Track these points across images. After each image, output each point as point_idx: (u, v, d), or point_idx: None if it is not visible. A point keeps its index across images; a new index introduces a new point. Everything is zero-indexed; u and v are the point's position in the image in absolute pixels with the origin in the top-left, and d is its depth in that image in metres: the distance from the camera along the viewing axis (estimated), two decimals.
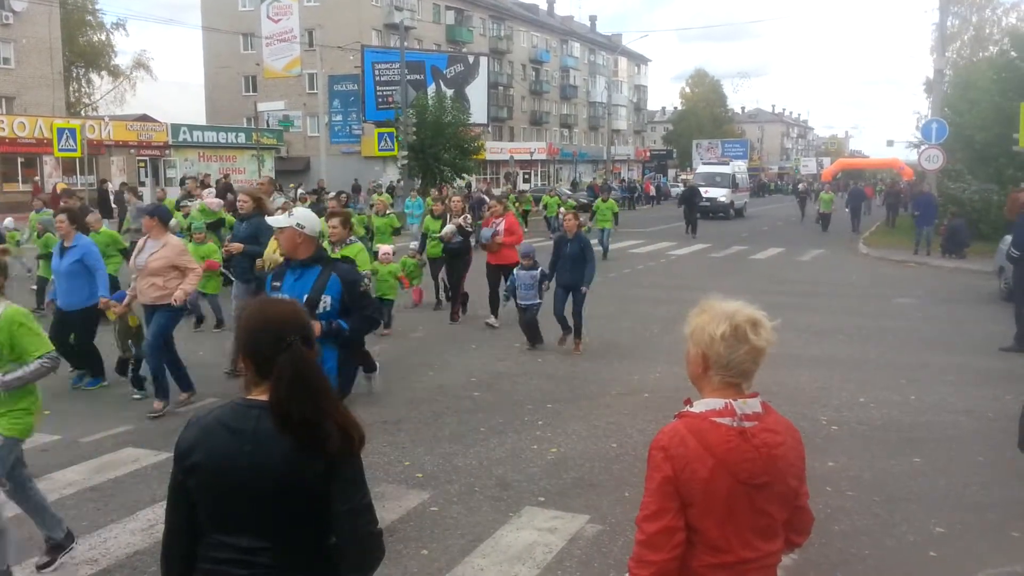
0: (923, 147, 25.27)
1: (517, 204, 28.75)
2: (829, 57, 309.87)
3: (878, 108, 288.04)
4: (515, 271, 10.37)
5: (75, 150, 25.55)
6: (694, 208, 28.38)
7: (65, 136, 25.20)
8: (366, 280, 7.51)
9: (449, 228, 11.85)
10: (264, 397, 2.14)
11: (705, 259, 21.45)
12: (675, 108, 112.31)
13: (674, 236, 27.53)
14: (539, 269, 10.14)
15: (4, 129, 35.74)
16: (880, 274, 18.79)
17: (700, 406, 2.34)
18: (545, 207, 30.28)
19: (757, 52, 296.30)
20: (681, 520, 2.22)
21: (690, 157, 71.15)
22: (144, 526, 5.13)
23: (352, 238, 8.17)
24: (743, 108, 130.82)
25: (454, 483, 5.90)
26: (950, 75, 30.04)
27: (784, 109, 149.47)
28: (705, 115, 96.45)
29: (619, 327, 11.88)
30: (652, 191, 56.32)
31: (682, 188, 42.35)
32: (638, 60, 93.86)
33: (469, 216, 12.25)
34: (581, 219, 19.71)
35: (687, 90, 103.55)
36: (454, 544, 4.96)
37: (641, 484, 5.76)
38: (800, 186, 47.73)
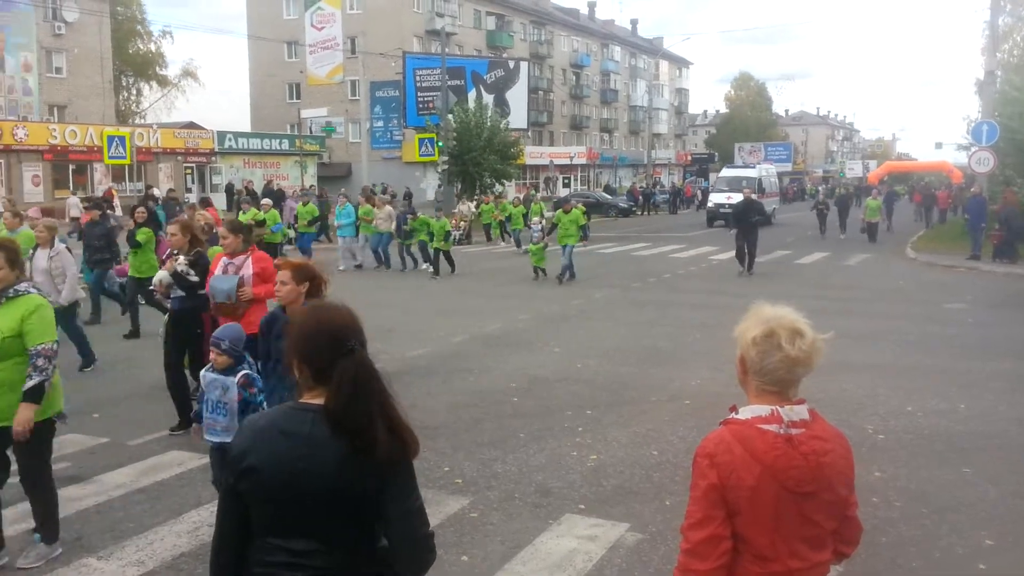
0: (973, 149, 24.70)
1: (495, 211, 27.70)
2: (875, 58, 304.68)
3: (926, 110, 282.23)
4: (203, 373, 5.22)
5: (124, 157, 26.14)
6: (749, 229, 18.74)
7: (115, 144, 25.80)
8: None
9: (161, 275, 7.37)
10: (318, 401, 2.16)
11: None
12: (718, 111, 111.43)
13: (716, 240, 27.25)
14: (242, 372, 5.04)
15: (56, 137, 36.65)
16: (928, 279, 18.42)
17: (746, 412, 2.31)
18: (508, 218, 26.78)
19: (801, 54, 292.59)
20: (727, 528, 2.20)
21: (732, 161, 70.38)
22: (190, 528, 5.21)
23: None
24: (787, 111, 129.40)
25: (494, 489, 5.90)
26: (1001, 76, 29.26)
27: (829, 111, 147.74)
28: (749, 118, 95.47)
29: (658, 332, 11.80)
30: (694, 195, 55.86)
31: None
32: (680, 63, 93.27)
33: (182, 258, 7.25)
34: (535, 235, 19.32)
35: (731, 93, 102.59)
36: (494, 551, 4.95)
37: (683, 492, 5.69)
38: (819, 192, 41.80)
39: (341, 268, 19.44)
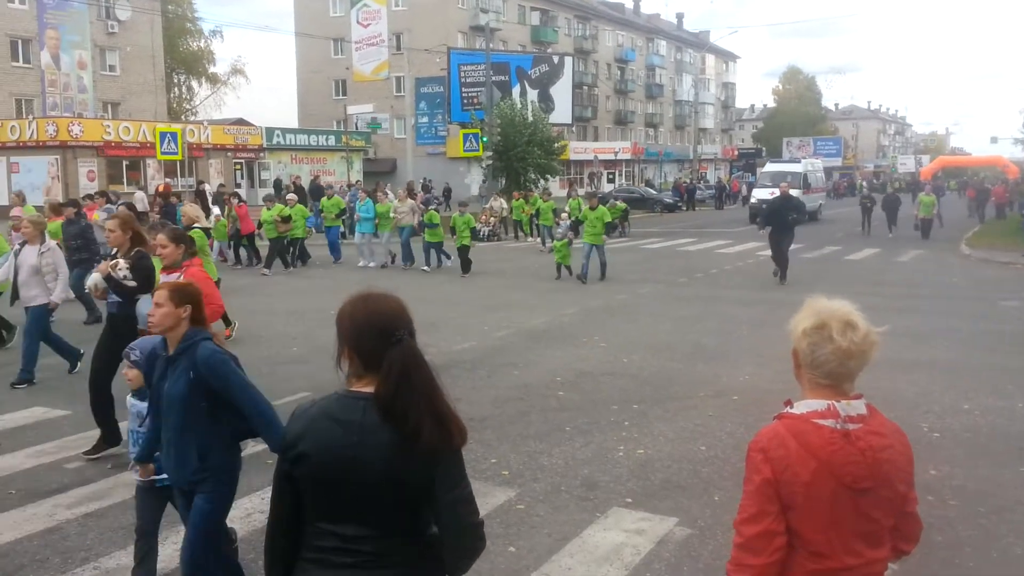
0: None
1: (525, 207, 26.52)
2: (928, 50, 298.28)
3: (981, 103, 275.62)
4: (129, 399, 4.90)
5: (176, 153, 26.62)
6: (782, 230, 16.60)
7: (167, 140, 26.29)
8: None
9: (95, 278, 6.68)
10: (368, 389, 2.18)
11: (797, 260, 20.81)
12: (765, 106, 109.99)
13: (763, 236, 26.90)
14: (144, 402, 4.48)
15: (110, 133, 37.45)
16: (983, 276, 17.98)
17: (801, 407, 2.28)
18: (537, 213, 25.22)
19: (851, 47, 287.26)
20: (782, 524, 2.17)
21: (780, 156, 69.47)
22: (242, 515, 5.29)
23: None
24: (837, 105, 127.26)
25: (540, 481, 5.90)
26: None
27: (880, 105, 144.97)
28: (797, 113, 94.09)
29: (705, 328, 11.69)
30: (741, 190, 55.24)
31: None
32: (726, 57, 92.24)
33: (121, 260, 6.54)
34: (562, 231, 18.12)
35: (779, 87, 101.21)
36: (541, 542, 4.96)
37: (732, 488, 5.64)
38: (863, 186, 40.27)
39: (361, 264, 19.33)
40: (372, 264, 19.51)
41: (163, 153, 26.56)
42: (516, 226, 27.85)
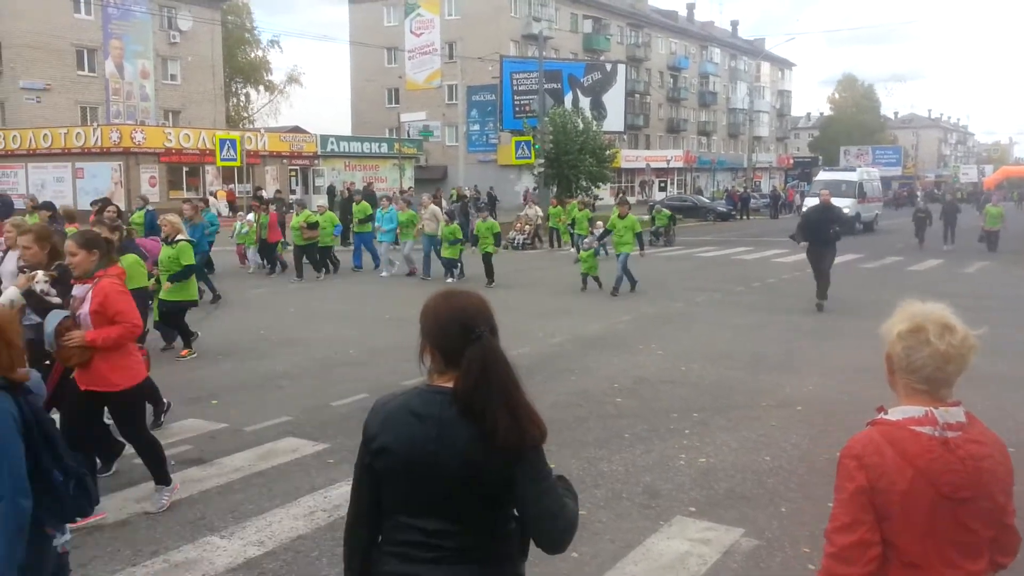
0: None
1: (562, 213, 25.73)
2: (991, 58, 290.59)
3: None
4: None
5: (235, 160, 27.14)
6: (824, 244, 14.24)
7: (227, 147, 26.80)
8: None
9: (11, 294, 5.72)
10: (449, 385, 2.18)
11: (856, 270, 20.47)
12: (821, 114, 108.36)
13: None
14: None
15: (171, 141, 38.35)
16: None
17: (897, 414, 2.21)
18: (573, 222, 24.24)
19: (911, 55, 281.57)
20: (876, 534, 2.10)
21: (837, 164, 68.23)
22: (305, 512, 5.33)
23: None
24: (896, 113, 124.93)
25: (600, 488, 5.84)
26: None
27: (941, 114, 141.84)
28: (854, 121, 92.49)
29: (765, 337, 11.50)
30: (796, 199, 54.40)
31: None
32: (782, 65, 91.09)
33: (40, 274, 5.85)
34: (588, 240, 17.51)
35: (835, 95, 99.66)
36: (604, 549, 4.90)
37: (799, 500, 5.53)
38: (919, 198, 36.93)
39: (384, 275, 18.65)
40: (387, 273, 18.74)
41: (223, 160, 27.08)
42: (553, 234, 27.04)
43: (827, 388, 8.62)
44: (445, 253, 17.51)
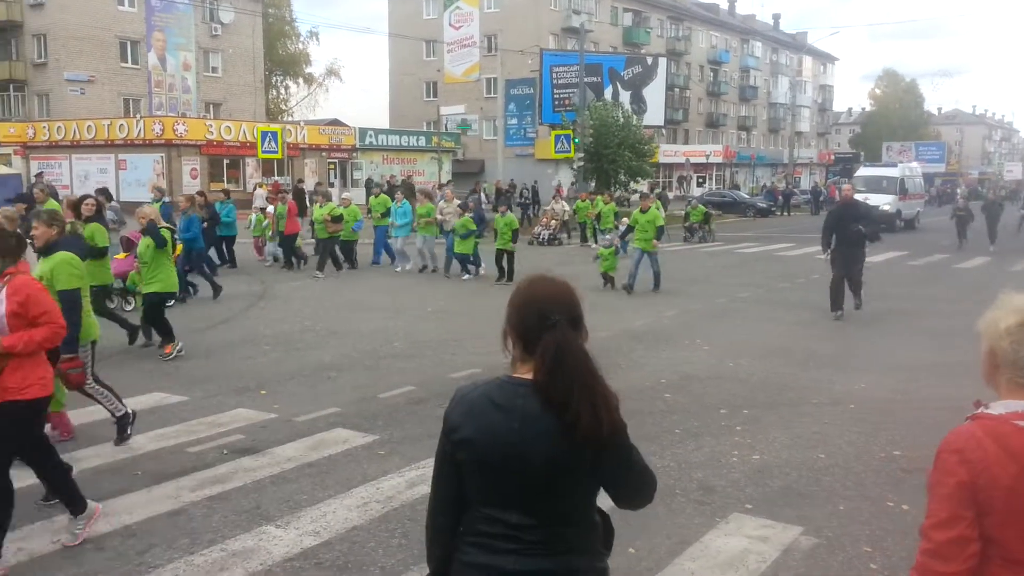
0: None
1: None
2: None
3: None
4: None
5: (276, 152, 27.37)
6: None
7: (268, 139, 27.05)
8: None
9: None
10: (530, 375, 2.14)
11: (902, 267, 20.13)
12: (863, 109, 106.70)
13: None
14: None
15: (212, 132, 38.78)
16: None
17: (999, 408, 2.13)
18: (598, 216, 23.37)
19: (954, 50, 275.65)
20: (976, 530, 2.04)
21: (880, 161, 67.24)
22: (359, 503, 5.33)
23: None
24: (940, 109, 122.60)
25: None
26: None
27: (986, 110, 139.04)
28: (896, 116, 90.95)
29: (813, 334, 11.33)
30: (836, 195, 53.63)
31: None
32: (824, 59, 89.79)
33: None
34: (609, 238, 17.20)
35: (877, 91, 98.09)
36: (660, 544, 4.83)
37: (856, 499, 5.42)
38: (959, 197, 34.96)
39: (398, 270, 18.09)
40: (401, 268, 18.12)
41: (264, 152, 27.33)
42: (582, 228, 25.88)
43: (879, 386, 8.46)
44: (458, 248, 16.67)
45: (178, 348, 9.52)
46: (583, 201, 26.29)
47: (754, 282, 16.77)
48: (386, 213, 19.08)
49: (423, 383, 8.36)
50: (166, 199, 17.32)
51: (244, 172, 39.72)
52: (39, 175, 29.85)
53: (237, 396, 7.82)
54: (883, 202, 31.40)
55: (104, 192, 15.12)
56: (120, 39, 45.34)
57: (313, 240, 18.64)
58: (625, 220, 18.67)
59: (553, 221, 26.34)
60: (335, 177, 43.55)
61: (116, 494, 5.43)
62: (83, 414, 7.23)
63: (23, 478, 5.68)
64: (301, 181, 34.65)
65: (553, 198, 29.25)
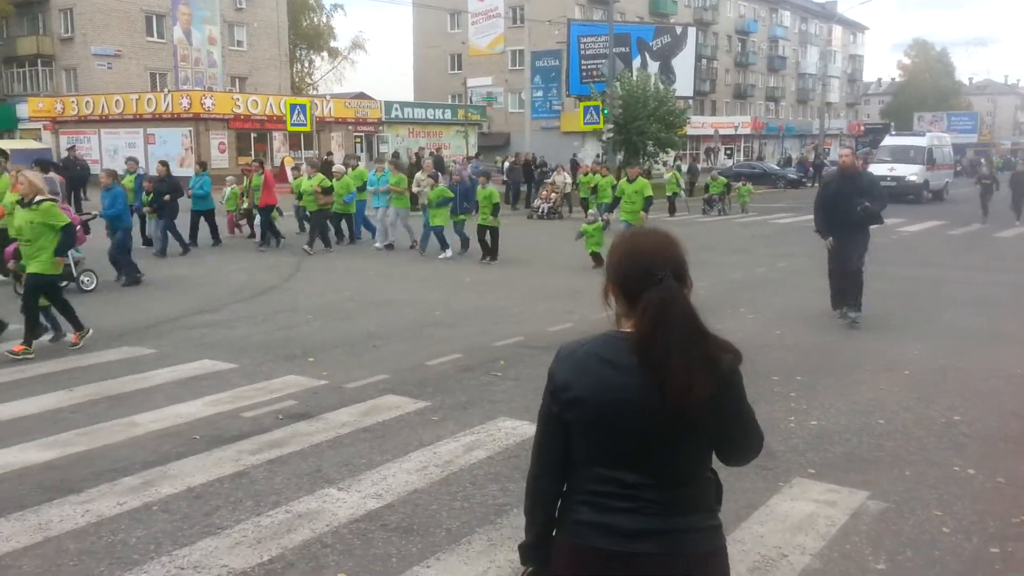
0: None
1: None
2: None
3: None
4: None
5: (305, 124, 27.37)
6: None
7: (297, 112, 27.05)
8: None
9: None
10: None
11: (941, 236, 19.83)
12: (892, 79, 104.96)
13: (900, 212, 25.68)
14: None
15: (240, 106, 38.80)
16: None
17: None
18: (595, 189, 21.20)
19: (985, 19, 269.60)
20: None
21: (911, 131, 66.28)
22: (418, 467, 5.31)
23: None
24: (971, 79, 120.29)
25: None
26: None
27: (1018, 80, 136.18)
28: (927, 87, 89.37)
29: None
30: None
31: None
32: (854, 28, 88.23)
33: None
34: (594, 212, 15.32)
35: (907, 61, 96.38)
36: (727, 508, 4.63)
37: (922, 463, 5.32)
38: (982, 164, 33.50)
39: (376, 246, 16.80)
40: (380, 244, 16.82)
41: (293, 125, 27.34)
42: (584, 203, 23.45)
43: (933, 353, 8.32)
44: (434, 220, 15.29)
45: (87, 334, 8.54)
46: (586, 175, 24.05)
47: (791, 251, 16.56)
48: (362, 187, 17.81)
49: (468, 351, 8.33)
50: (140, 171, 16.58)
51: (271, 145, 39.77)
52: (71, 148, 30.05)
53: (286, 363, 7.82)
54: (910, 172, 30.59)
55: (42, 162, 14.63)
56: (146, 13, 45.39)
57: (296, 214, 18.29)
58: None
59: (554, 194, 25.06)
60: (362, 151, 43.52)
61: (176, 457, 5.45)
62: (138, 380, 7.28)
63: (79, 444, 5.74)
64: (330, 154, 34.62)
65: (555, 170, 27.89)
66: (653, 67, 42.56)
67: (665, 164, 35.60)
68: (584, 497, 2.11)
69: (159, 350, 8.36)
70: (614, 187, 18.48)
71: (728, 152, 57.97)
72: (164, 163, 16.19)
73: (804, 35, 79.41)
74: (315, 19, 61.11)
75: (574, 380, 2.09)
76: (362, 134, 44.36)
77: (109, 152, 38.40)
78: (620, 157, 34.54)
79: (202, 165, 18.58)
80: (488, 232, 14.83)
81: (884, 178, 30.28)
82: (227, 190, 18.93)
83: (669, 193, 26.20)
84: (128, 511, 4.68)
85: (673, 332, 2.00)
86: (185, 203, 16.49)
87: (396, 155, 38.95)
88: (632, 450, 2.05)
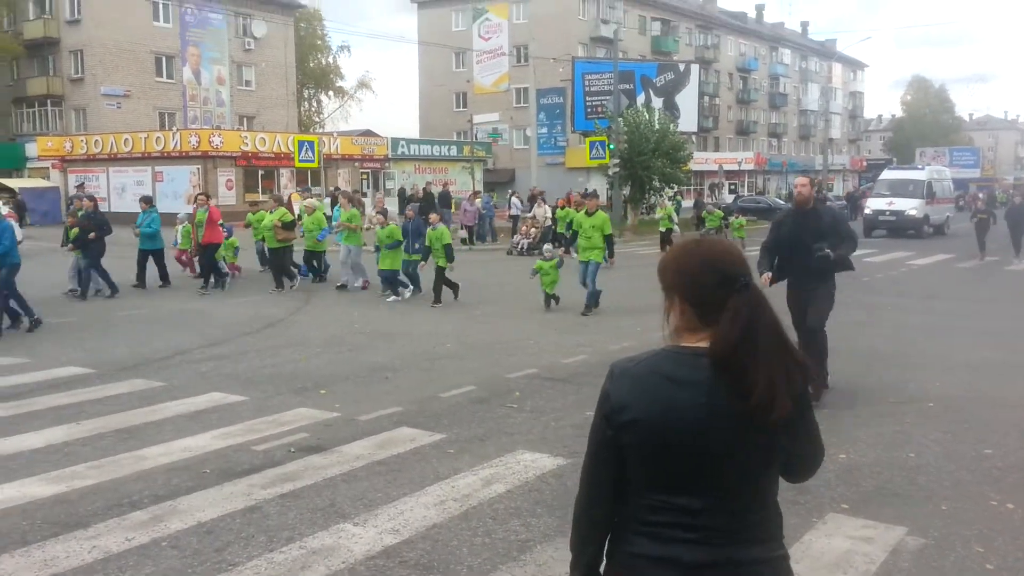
0: None
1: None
2: None
3: None
4: None
5: (313, 161, 27.45)
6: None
7: (305, 148, 27.16)
8: None
9: None
10: (705, 344, 1.91)
11: (951, 269, 19.69)
12: (893, 116, 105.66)
13: (909, 246, 25.57)
14: None
15: (247, 144, 39.01)
16: None
17: None
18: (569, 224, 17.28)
19: (983, 56, 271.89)
20: None
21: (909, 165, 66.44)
22: (435, 501, 5.14)
23: None
24: (971, 115, 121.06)
25: None
26: None
27: (1018, 116, 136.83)
28: (927, 122, 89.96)
29: (874, 334, 11.00)
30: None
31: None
32: (854, 66, 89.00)
33: None
34: (549, 247, 14.30)
35: (907, 97, 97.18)
36: None
37: (958, 497, 5.11)
38: (979, 199, 32.27)
39: (340, 283, 15.59)
40: (347, 283, 15.56)
41: (301, 161, 27.42)
42: (560, 239, 20.66)
43: (954, 385, 8.16)
44: (382, 263, 14.09)
45: None
46: (562, 208, 22.81)
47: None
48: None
49: (482, 383, 8.17)
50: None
51: (279, 182, 39.88)
52: (80, 186, 30.14)
53: (297, 396, 7.67)
54: (909, 207, 29.78)
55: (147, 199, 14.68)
56: (155, 54, 45.84)
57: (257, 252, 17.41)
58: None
59: (533, 229, 23.90)
60: (368, 187, 43.66)
61: (186, 491, 5.28)
62: (147, 413, 7.13)
63: (87, 477, 5.57)
64: (338, 188, 34.72)
65: (535, 203, 26.85)
66: (657, 103, 42.79)
67: (667, 199, 35.38)
68: (640, 527, 1.95)
69: (167, 383, 8.22)
70: (569, 223, 17.17)
71: (732, 188, 58.07)
72: (92, 198, 15.00)
73: (805, 72, 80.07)
74: (322, 59, 61.74)
75: (632, 400, 1.93)
76: (368, 170, 44.55)
77: (117, 190, 38.55)
78: (626, 192, 34.59)
79: (147, 201, 16.31)
80: (442, 272, 13.53)
81: (883, 212, 30.07)
82: (179, 227, 17.68)
83: (663, 229, 25.68)
84: (136, 547, 4.50)
85: (760, 342, 1.87)
86: (125, 240, 15.98)
87: (403, 191, 39.13)
88: (696, 474, 1.90)
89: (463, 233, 26.44)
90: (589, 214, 12.66)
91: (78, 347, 10.17)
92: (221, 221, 15.99)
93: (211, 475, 5.60)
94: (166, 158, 38.13)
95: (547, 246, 14.79)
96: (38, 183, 40.69)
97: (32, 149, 42.86)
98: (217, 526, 4.79)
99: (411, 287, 14.40)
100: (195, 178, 37.43)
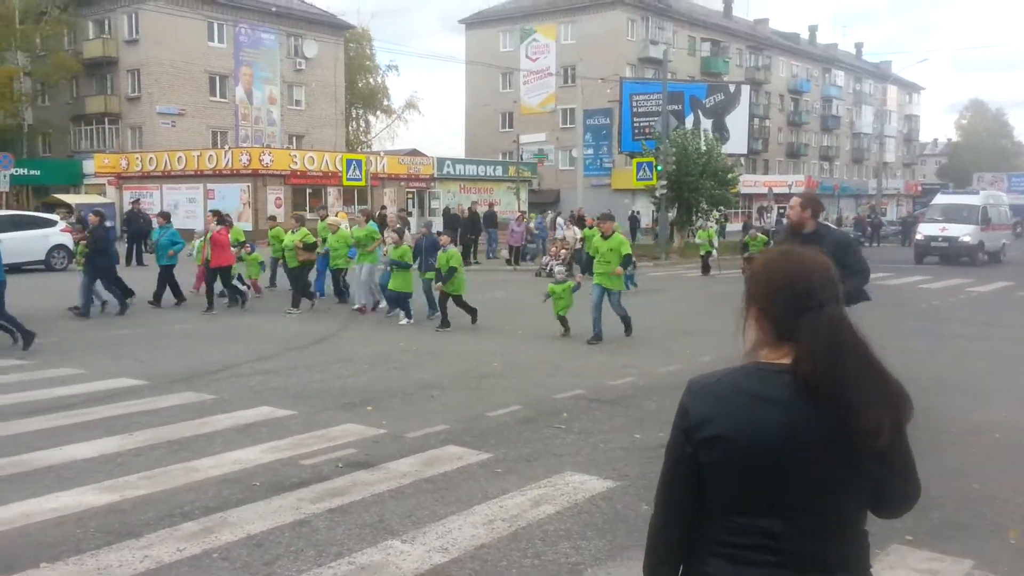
0: None
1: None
2: None
3: None
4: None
5: (360, 180, 27.71)
6: None
7: (352, 167, 27.45)
8: None
9: None
10: (786, 361, 1.82)
11: (1012, 297, 19.12)
12: (948, 140, 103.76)
13: (968, 273, 24.93)
14: None
15: (296, 163, 39.62)
16: None
17: None
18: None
19: None
20: None
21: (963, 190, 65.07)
22: (484, 521, 5.06)
23: None
24: None
25: None
26: None
27: None
28: (984, 147, 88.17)
29: (936, 363, 10.67)
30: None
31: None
32: (910, 88, 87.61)
33: None
34: (561, 268, 13.77)
35: (963, 121, 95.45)
36: None
37: None
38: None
39: (356, 306, 15.01)
40: (360, 304, 14.99)
41: (348, 179, 27.69)
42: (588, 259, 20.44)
43: (1020, 415, 7.87)
44: (392, 284, 13.53)
45: None
46: (590, 228, 21.33)
47: (857, 309, 16.03)
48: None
49: (529, 403, 8.09)
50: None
51: (326, 200, 40.37)
52: (135, 202, 30.84)
53: (344, 412, 7.67)
54: (963, 233, 28.78)
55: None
56: (209, 74, 46.88)
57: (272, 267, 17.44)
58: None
59: (563, 251, 23.14)
60: (414, 206, 44.00)
61: (236, 504, 5.28)
62: (198, 425, 7.18)
63: (139, 487, 5.60)
64: (384, 207, 35.06)
65: (565, 224, 26.50)
66: (706, 124, 42.55)
67: (711, 221, 34.83)
68: (719, 549, 1.86)
69: (218, 396, 8.28)
70: (582, 243, 15.97)
71: (781, 211, 57.32)
72: (99, 213, 14.57)
73: (858, 95, 79.00)
74: (371, 80, 62.62)
75: (714, 416, 1.85)
76: (414, 190, 44.89)
77: (170, 206, 39.36)
78: (673, 213, 34.36)
79: (165, 217, 16.19)
80: (446, 296, 13.10)
81: (935, 238, 29.29)
82: (196, 242, 16.92)
83: (703, 253, 25.14)
84: (187, 557, 4.50)
85: (849, 364, 1.78)
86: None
87: (448, 211, 39.33)
88: (779, 497, 1.81)
89: (504, 254, 26.29)
90: (605, 237, 11.92)
91: (130, 359, 10.32)
92: (243, 239, 16.03)
93: (260, 488, 5.60)
94: (218, 176, 38.86)
95: (558, 268, 14.49)
96: (95, 199, 41.71)
97: (89, 166, 44.02)
98: (267, 539, 4.77)
99: (410, 318, 13.67)
100: (245, 195, 38.10)
